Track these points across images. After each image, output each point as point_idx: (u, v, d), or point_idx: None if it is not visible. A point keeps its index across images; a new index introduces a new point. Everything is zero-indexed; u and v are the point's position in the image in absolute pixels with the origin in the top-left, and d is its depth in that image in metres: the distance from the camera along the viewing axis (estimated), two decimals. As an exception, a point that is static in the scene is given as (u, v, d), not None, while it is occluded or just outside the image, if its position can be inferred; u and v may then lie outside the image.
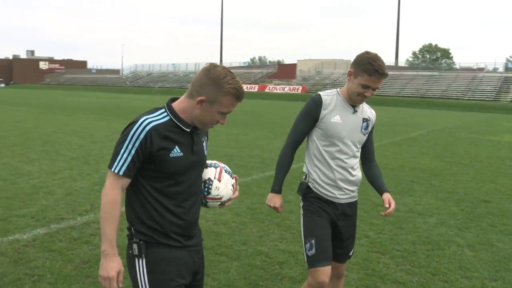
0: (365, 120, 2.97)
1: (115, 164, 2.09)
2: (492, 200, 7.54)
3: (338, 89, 2.98)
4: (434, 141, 15.51)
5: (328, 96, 2.91)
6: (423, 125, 21.94)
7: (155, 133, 2.07)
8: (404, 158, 11.71)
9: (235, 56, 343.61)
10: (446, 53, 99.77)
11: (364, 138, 2.97)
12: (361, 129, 2.95)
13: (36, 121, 18.01)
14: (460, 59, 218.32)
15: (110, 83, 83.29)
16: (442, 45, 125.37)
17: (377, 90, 2.86)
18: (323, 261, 2.83)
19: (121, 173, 2.08)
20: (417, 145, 14.30)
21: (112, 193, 2.08)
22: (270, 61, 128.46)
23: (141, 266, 2.14)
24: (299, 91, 59.52)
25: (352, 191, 2.97)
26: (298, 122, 2.95)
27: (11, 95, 46.35)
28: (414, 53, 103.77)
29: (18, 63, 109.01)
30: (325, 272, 2.83)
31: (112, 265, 2.06)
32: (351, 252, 3.16)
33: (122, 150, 2.07)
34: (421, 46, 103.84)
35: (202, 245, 2.37)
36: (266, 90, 62.38)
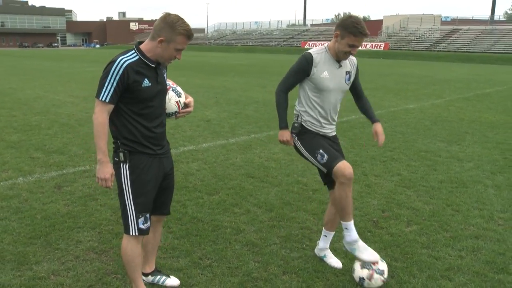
0: (348, 72, 3.53)
1: (102, 94, 2.67)
2: (541, 150, 7.73)
3: (326, 45, 3.48)
4: (508, 97, 15.16)
5: (318, 54, 3.43)
6: (504, 82, 21.11)
7: (130, 69, 2.67)
8: (467, 112, 11.81)
9: (320, 12, 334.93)
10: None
11: (348, 87, 3.59)
12: (345, 81, 3.54)
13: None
14: None
15: (195, 42, 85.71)
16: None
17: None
18: (338, 159, 3.39)
19: (107, 100, 2.67)
20: (487, 101, 14.13)
21: (102, 116, 2.69)
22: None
23: (125, 169, 2.81)
24: (382, 48, 57.98)
25: (334, 126, 3.64)
26: (291, 75, 3.48)
27: (106, 54, 49.86)
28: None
29: (111, 24, 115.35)
30: (346, 164, 3.36)
31: (106, 170, 2.74)
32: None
33: (106, 83, 2.66)
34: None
35: (170, 152, 3.08)
36: (348, 47, 61.27)
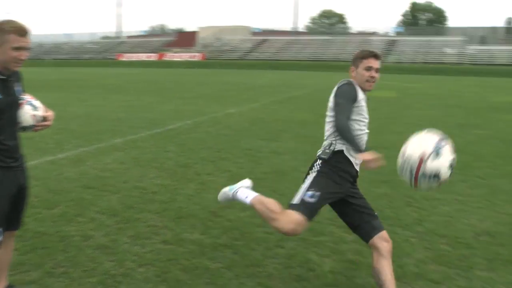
0: (368, 98, 3.38)
1: None
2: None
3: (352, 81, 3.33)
4: (311, 98, 17.38)
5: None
6: (309, 86, 24.02)
7: None
8: (281, 113, 13.29)
9: (135, 24, 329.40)
10: (341, 18, 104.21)
11: None
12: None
13: None
14: (356, 23, 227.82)
15: (-4, 57, 77.14)
16: (338, 10, 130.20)
17: (378, 72, 3.30)
18: (313, 217, 3.18)
19: None
20: (297, 102, 16.04)
21: None
22: (171, 29, 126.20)
23: None
24: (199, 58, 60.11)
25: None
26: (346, 103, 3.18)
27: None
28: (312, 18, 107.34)
29: None
30: (305, 226, 3.17)
31: None
32: (376, 213, 3.35)
33: None
34: (319, 12, 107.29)
35: (25, 165, 3.06)
36: (165, 58, 62.21)
